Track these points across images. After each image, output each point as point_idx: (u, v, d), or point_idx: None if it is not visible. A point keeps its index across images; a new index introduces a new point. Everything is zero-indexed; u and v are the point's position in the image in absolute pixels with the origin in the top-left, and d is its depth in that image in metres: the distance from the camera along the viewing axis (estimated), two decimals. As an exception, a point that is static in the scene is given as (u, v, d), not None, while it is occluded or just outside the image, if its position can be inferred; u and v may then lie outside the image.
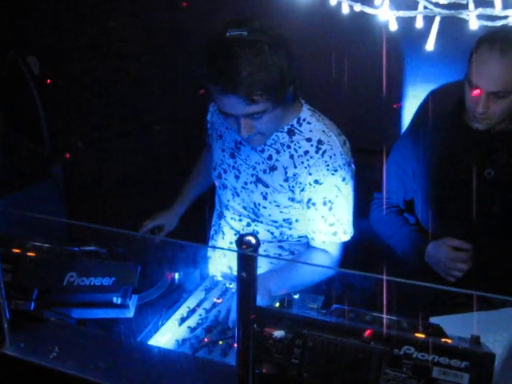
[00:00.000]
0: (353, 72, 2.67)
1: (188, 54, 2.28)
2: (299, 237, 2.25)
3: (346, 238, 2.13)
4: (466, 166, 2.19)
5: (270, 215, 2.19)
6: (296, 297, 2.10)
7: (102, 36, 3.35)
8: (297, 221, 2.19)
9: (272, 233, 2.26)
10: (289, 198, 2.12)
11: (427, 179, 2.35)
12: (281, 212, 2.16)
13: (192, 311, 2.00)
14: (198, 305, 2.06)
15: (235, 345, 1.75)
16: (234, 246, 2.34)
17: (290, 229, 2.22)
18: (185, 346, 1.80)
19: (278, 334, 1.13)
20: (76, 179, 3.66)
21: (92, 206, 3.54)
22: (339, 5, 0.96)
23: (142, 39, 3.28)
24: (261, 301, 1.86)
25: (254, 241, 1.05)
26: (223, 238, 2.42)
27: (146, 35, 3.25)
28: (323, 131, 2.06)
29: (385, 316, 1.26)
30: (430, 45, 1.00)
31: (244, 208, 2.27)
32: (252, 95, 1.80)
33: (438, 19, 0.95)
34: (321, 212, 2.07)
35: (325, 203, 2.06)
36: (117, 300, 1.78)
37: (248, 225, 2.29)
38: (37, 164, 3.47)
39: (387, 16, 0.95)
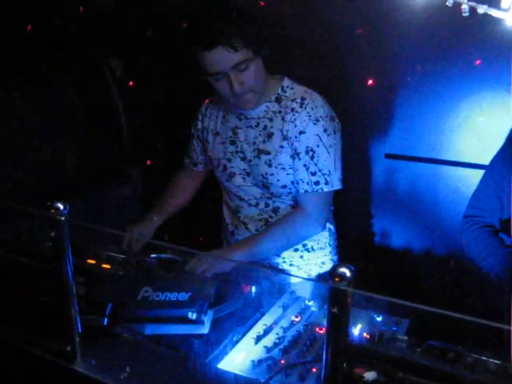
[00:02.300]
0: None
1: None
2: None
3: (329, 188, 2.22)
4: None
5: (278, 180, 2.27)
6: (379, 319, 1.97)
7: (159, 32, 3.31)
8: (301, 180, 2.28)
9: (290, 204, 2.36)
10: (290, 157, 2.24)
11: (527, 198, 2.15)
12: (287, 174, 2.26)
13: (269, 329, 1.90)
14: (276, 322, 1.95)
15: (314, 369, 1.66)
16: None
17: (296, 183, 2.28)
18: (261, 367, 1.69)
19: (370, 375, 1.01)
20: (155, 184, 3.64)
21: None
22: (456, 6, 0.83)
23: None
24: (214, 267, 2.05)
25: (348, 273, 0.93)
26: (247, 229, 2.46)
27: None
28: (305, 91, 2.25)
29: (489, 360, 1.12)
30: None
31: (255, 185, 2.35)
32: (233, 43, 1.99)
33: None
34: (303, 161, 2.20)
35: (307, 152, 2.18)
36: (192, 316, 1.70)
37: (266, 205, 2.38)
38: (116, 167, 3.48)
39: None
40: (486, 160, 2.32)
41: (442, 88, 2.73)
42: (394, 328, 1.90)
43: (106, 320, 1.45)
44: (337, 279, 0.93)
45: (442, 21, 2.51)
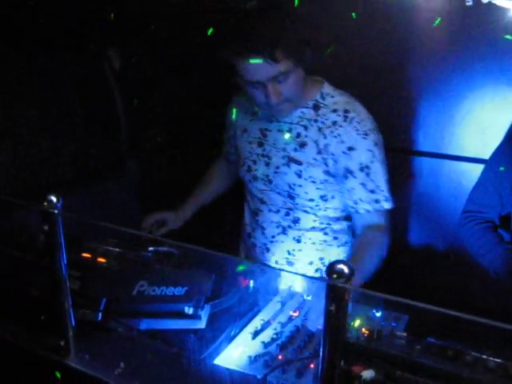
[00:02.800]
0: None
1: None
2: (337, 219, 2.26)
3: (389, 205, 2.12)
4: None
5: (306, 193, 2.18)
6: (378, 315, 1.95)
7: (188, 30, 3.26)
8: (333, 197, 2.20)
9: (314, 219, 2.25)
10: (323, 172, 2.13)
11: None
12: (317, 188, 2.17)
13: (266, 324, 1.88)
14: (273, 317, 1.93)
15: (312, 365, 1.64)
16: (277, 239, 2.32)
17: (326, 208, 2.22)
18: (258, 363, 1.67)
19: (368, 374, 0.99)
20: (153, 177, 3.62)
21: (168, 204, 3.48)
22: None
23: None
24: None
25: (346, 270, 0.91)
26: (263, 234, 2.39)
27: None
28: (347, 102, 2.11)
29: (489, 358, 1.10)
30: None
31: (279, 194, 2.25)
32: (274, 54, 1.86)
33: None
34: (359, 179, 2.08)
35: (361, 169, 2.07)
36: (188, 310, 1.68)
37: (287, 214, 2.28)
38: (113, 159, 3.44)
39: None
40: (489, 155, 2.30)
41: (445, 82, 2.70)
42: (393, 324, 1.88)
43: (100, 315, 1.42)
44: (334, 276, 0.91)
45: (445, 13, 2.48)
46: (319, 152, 2.11)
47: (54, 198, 1.26)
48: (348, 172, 2.09)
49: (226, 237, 2.64)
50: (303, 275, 2.34)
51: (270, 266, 2.39)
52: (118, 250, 1.54)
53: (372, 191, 2.09)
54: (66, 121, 3.16)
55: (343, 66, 2.77)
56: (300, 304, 2.02)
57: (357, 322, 1.87)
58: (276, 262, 2.39)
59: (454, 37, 2.58)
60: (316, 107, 2.12)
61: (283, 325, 1.88)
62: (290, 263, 2.38)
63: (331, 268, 0.92)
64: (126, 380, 1.27)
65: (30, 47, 2.97)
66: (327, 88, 2.15)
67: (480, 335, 1.49)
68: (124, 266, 1.50)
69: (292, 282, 2.25)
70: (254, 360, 1.67)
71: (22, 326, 1.45)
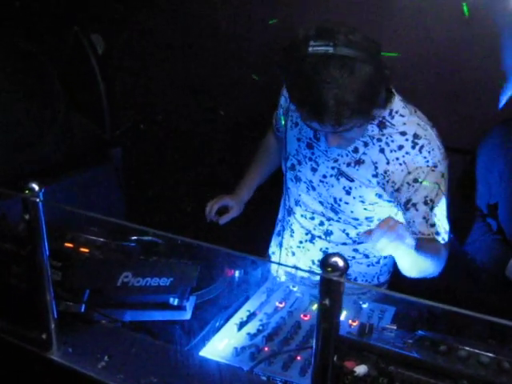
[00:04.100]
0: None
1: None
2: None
3: (447, 237, 1.93)
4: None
5: (352, 212, 2.04)
6: (365, 306, 1.93)
7: (172, 15, 3.22)
8: (379, 219, 2.00)
9: (348, 234, 2.11)
10: (376, 194, 1.97)
11: (515, 184, 2.12)
12: (365, 209, 2.02)
13: (252, 315, 1.85)
14: (259, 308, 1.91)
15: (298, 358, 1.62)
16: (304, 246, 2.25)
17: (369, 226, 2.05)
18: (244, 354, 1.65)
19: (361, 369, 0.96)
20: (136, 164, 3.57)
21: (152, 192, 3.45)
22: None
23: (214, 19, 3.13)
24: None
25: (341, 263, 0.88)
26: (292, 236, 2.26)
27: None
28: (418, 124, 1.90)
29: (482, 353, 1.08)
30: None
31: (320, 203, 2.10)
32: (340, 121, 1.67)
33: None
34: (422, 213, 1.87)
35: (426, 203, 1.86)
36: (173, 301, 1.65)
37: (321, 224, 2.14)
38: (96, 147, 3.39)
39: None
40: (475, 145, 2.29)
41: (431, 71, 2.68)
42: (379, 315, 1.87)
43: (83, 306, 1.39)
44: (329, 269, 0.88)
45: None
46: (376, 175, 1.94)
47: (35, 186, 1.22)
48: (411, 204, 1.88)
49: (260, 229, 2.54)
50: (296, 267, 2.27)
51: (258, 257, 2.31)
52: (101, 239, 1.49)
53: (433, 225, 1.88)
54: (48, 107, 3.10)
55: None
56: (286, 295, 2.00)
57: (344, 313, 1.86)
58: (296, 269, 2.25)
59: (439, 25, 2.55)
60: (381, 125, 1.91)
61: (269, 316, 1.86)
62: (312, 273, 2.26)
63: (325, 261, 0.89)
64: (109, 373, 1.24)
65: (12, 32, 2.90)
66: (398, 104, 1.92)
67: (466, 326, 1.48)
68: (108, 257, 1.46)
69: (278, 272, 2.24)
70: (239, 352, 1.65)
71: (3, 318, 1.41)
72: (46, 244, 1.23)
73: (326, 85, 1.59)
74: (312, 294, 2.01)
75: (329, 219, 2.11)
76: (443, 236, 1.89)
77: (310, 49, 1.59)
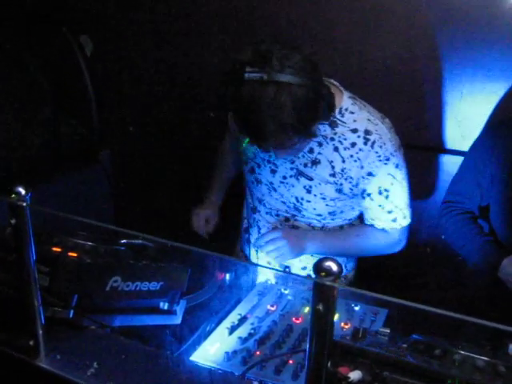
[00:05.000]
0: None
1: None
2: (340, 226, 2.19)
3: (407, 222, 2.09)
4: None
5: (314, 209, 2.09)
6: (357, 308, 1.92)
7: (161, 15, 3.19)
8: (341, 212, 2.12)
9: (313, 227, 2.17)
10: (336, 190, 2.02)
11: (507, 186, 2.11)
12: (327, 205, 2.07)
13: (243, 319, 1.84)
14: (251, 312, 1.89)
15: (290, 361, 1.60)
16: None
17: (333, 219, 2.14)
18: (235, 359, 1.63)
19: (355, 375, 0.95)
20: (125, 166, 3.54)
21: (141, 194, 3.43)
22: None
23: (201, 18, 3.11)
24: (286, 254, 2.04)
25: (335, 267, 0.86)
26: (259, 233, 2.28)
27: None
28: (368, 119, 1.94)
29: (477, 357, 1.07)
30: None
31: (283, 203, 2.15)
32: (280, 144, 1.75)
33: None
34: (377, 201, 2.02)
35: (380, 192, 1.99)
36: (164, 306, 1.63)
37: (286, 220, 2.19)
38: (85, 148, 3.35)
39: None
40: (466, 146, 2.28)
41: (422, 73, 2.67)
42: (372, 318, 1.86)
43: (71, 312, 1.36)
44: (322, 274, 0.86)
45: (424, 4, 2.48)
46: (333, 174, 1.98)
47: (22, 190, 1.19)
48: (366, 194, 2.01)
49: (226, 227, 2.55)
50: (288, 273, 2.29)
51: (248, 262, 2.32)
52: (90, 243, 1.47)
53: (390, 212, 2.04)
54: (35, 109, 3.06)
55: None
56: (277, 298, 1.98)
57: (335, 316, 1.84)
58: (269, 263, 2.27)
59: (432, 29, 2.55)
60: (333, 123, 1.93)
61: (260, 319, 1.84)
62: (282, 266, 2.30)
63: (319, 265, 0.87)
64: (99, 381, 1.21)
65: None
66: (347, 101, 1.95)
67: (460, 328, 1.47)
68: (96, 261, 1.43)
69: (269, 275, 2.22)
70: (231, 356, 1.63)
71: (-11, 324, 1.38)
72: (33, 249, 1.20)
73: (263, 112, 1.61)
74: (304, 296, 2.00)
75: (293, 216, 2.16)
76: (400, 222, 2.06)
77: (246, 75, 1.61)
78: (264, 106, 1.60)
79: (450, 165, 2.61)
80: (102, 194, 3.36)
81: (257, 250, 2.27)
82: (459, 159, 2.29)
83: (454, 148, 2.71)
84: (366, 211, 2.10)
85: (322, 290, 0.86)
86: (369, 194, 2.00)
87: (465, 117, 2.64)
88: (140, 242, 1.76)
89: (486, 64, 2.49)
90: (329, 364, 0.92)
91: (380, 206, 2.02)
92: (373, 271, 2.52)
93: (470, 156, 2.23)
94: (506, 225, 2.16)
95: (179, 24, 3.16)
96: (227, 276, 2.08)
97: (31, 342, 1.26)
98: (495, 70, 2.49)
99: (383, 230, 2.09)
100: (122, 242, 1.66)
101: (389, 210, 2.03)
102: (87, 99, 3.26)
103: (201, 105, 3.26)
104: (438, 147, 2.77)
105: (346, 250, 2.19)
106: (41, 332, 1.26)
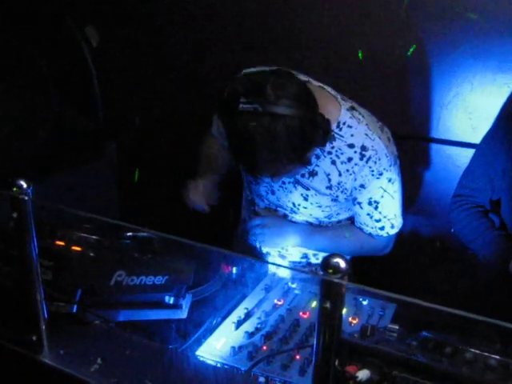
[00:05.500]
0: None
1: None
2: (338, 221, 2.20)
3: (394, 231, 2.11)
4: None
5: (311, 214, 2.13)
6: (365, 303, 1.89)
7: (168, 6, 3.17)
8: (338, 214, 2.15)
9: (311, 223, 2.18)
10: (332, 200, 2.04)
11: (519, 179, 2.08)
12: (323, 211, 2.10)
13: (250, 313, 1.82)
14: (257, 306, 1.87)
15: (297, 357, 1.58)
16: None
17: (330, 220, 2.17)
18: (241, 354, 1.61)
19: (363, 374, 0.92)
20: (131, 158, 3.52)
21: (147, 187, 3.40)
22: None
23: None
24: (268, 242, 2.13)
25: (343, 264, 0.83)
26: None
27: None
28: (366, 134, 1.92)
29: (489, 355, 1.04)
30: None
31: (280, 206, 2.17)
32: (275, 174, 1.77)
33: None
34: (366, 210, 2.04)
35: (370, 203, 2.01)
36: (169, 300, 1.62)
37: (284, 216, 2.19)
38: (90, 141, 3.33)
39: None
40: (477, 138, 2.25)
41: (432, 64, 2.64)
42: (380, 313, 1.83)
43: (75, 307, 1.34)
44: (330, 271, 0.83)
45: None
46: (330, 187, 2.00)
47: (23, 184, 1.17)
48: (356, 202, 2.03)
49: (227, 216, 2.52)
50: (294, 269, 2.29)
51: (253, 259, 2.28)
52: (94, 237, 1.45)
53: (378, 220, 2.06)
54: (39, 100, 3.04)
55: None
56: (284, 292, 1.96)
57: (343, 311, 1.82)
58: (268, 254, 2.31)
59: (441, 19, 2.51)
60: (331, 137, 1.91)
61: (267, 314, 1.82)
62: (282, 256, 2.31)
63: (326, 262, 0.84)
64: (103, 377, 1.20)
65: (3, 21, 2.84)
66: (344, 115, 1.93)
67: (470, 324, 1.44)
68: (100, 255, 1.41)
69: (277, 269, 2.20)
70: (237, 351, 1.62)
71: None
72: (36, 242, 1.18)
73: (258, 143, 1.59)
74: (311, 290, 1.98)
75: (291, 213, 2.17)
76: (387, 230, 2.08)
77: (241, 106, 1.59)
78: (258, 137, 1.58)
79: (462, 158, 2.57)
80: (107, 187, 3.34)
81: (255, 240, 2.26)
82: (470, 152, 2.25)
83: (464, 140, 2.66)
84: (355, 215, 2.12)
85: (329, 288, 0.84)
86: (359, 203, 2.03)
87: (475, 109, 2.60)
88: (146, 234, 1.74)
89: (498, 55, 2.45)
90: (336, 363, 0.90)
91: (368, 214, 2.04)
92: (375, 266, 2.50)
93: (481, 149, 2.20)
94: (517, 219, 2.13)
95: (187, 14, 3.13)
96: (234, 269, 2.05)
97: (34, 338, 1.25)
98: (507, 62, 2.45)
99: (370, 234, 2.12)
100: (128, 234, 1.64)
101: (377, 219, 2.05)
102: (92, 91, 3.24)
103: (206, 96, 3.23)
104: (449, 140, 2.73)
105: (331, 248, 2.15)
106: (44, 327, 1.24)
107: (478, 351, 1.05)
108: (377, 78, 2.74)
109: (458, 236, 2.30)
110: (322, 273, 0.84)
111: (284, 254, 2.30)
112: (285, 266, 2.28)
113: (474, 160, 2.22)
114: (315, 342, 0.90)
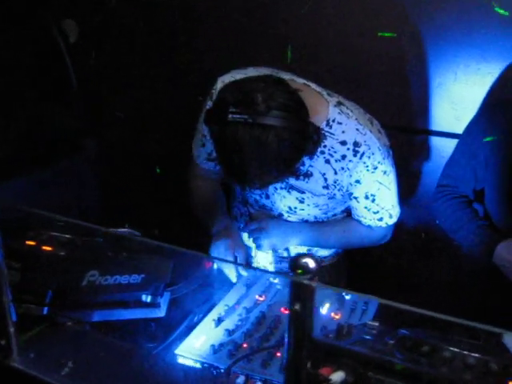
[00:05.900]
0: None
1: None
2: (334, 215, 2.19)
3: (393, 221, 2.10)
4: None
5: (308, 214, 2.10)
6: (348, 298, 1.87)
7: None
8: (334, 208, 2.13)
9: (307, 220, 2.15)
10: (329, 198, 2.02)
11: (502, 169, 2.07)
12: (320, 209, 2.09)
13: (231, 310, 1.79)
14: (238, 302, 1.84)
15: (278, 354, 1.56)
16: None
17: (326, 215, 2.16)
18: (221, 352, 1.58)
19: (338, 376, 0.89)
20: (112, 154, 3.47)
21: (127, 184, 3.36)
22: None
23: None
24: (273, 245, 2.05)
25: (312, 264, 0.80)
26: (251, 218, 2.24)
27: None
28: (357, 129, 1.89)
29: (468, 353, 1.01)
30: None
31: (276, 209, 2.13)
32: (264, 185, 1.75)
33: None
34: (363, 204, 2.03)
35: (367, 197, 2.00)
36: (146, 298, 1.58)
37: (279, 216, 2.14)
38: (69, 137, 3.27)
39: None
40: (461, 129, 2.24)
41: (414, 54, 2.61)
42: (363, 307, 1.81)
43: (46, 309, 1.30)
44: (299, 271, 0.80)
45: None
46: (327, 187, 1.97)
47: (-14, 183, 1.13)
48: (353, 197, 2.01)
49: None
50: (265, 271, 2.25)
51: (231, 262, 2.18)
52: (66, 236, 1.41)
53: (376, 212, 2.05)
54: (16, 94, 2.98)
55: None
56: (266, 287, 1.93)
57: (326, 306, 1.80)
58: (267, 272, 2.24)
59: (423, 9, 2.49)
60: (322, 136, 1.85)
61: (248, 310, 1.79)
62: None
63: (295, 262, 0.81)
64: (73, 381, 1.16)
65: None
66: (333, 112, 1.89)
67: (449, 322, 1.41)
68: (72, 254, 1.37)
69: (259, 264, 2.18)
70: (217, 349, 1.59)
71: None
72: (1, 243, 1.14)
73: (247, 154, 1.56)
74: None
75: (288, 214, 2.13)
76: (386, 221, 2.08)
77: (230, 116, 1.55)
78: (248, 148, 1.55)
79: (446, 148, 2.55)
80: (86, 183, 3.29)
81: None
82: (455, 142, 2.23)
83: (449, 131, 2.64)
84: (352, 209, 2.10)
85: (298, 289, 0.80)
86: (356, 198, 2.01)
87: (459, 99, 2.58)
88: (127, 230, 1.71)
89: (481, 44, 2.43)
90: (309, 365, 0.87)
91: (366, 207, 2.03)
92: (362, 258, 2.48)
93: (464, 139, 2.19)
94: (501, 209, 2.13)
95: (172, 10, 3.08)
96: (215, 265, 2.02)
97: (2, 341, 1.21)
98: (490, 51, 2.43)
99: (369, 226, 2.10)
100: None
101: (375, 211, 2.04)
102: (69, 86, 3.18)
103: (190, 92, 3.19)
104: (433, 130, 2.71)
105: (332, 244, 2.22)
106: (12, 330, 1.20)
107: (456, 349, 1.02)
108: (359, 71, 2.71)
109: (442, 227, 2.28)
110: (291, 274, 0.81)
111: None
112: (254, 268, 2.24)
113: (457, 150, 2.21)
114: (286, 345, 0.87)
